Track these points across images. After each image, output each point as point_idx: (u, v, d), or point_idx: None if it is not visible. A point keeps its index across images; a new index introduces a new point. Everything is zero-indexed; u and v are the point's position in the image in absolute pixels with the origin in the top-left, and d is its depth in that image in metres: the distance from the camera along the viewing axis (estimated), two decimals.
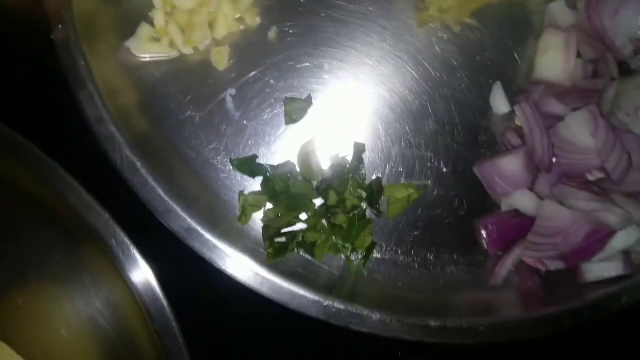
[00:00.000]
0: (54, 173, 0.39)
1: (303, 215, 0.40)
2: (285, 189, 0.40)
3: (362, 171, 0.40)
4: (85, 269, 0.43)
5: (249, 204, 0.39)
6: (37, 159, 0.39)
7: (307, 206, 0.39)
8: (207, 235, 0.36)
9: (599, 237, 0.35)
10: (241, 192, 0.39)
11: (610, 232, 0.36)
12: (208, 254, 0.36)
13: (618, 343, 0.40)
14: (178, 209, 0.36)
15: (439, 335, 0.36)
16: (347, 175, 0.40)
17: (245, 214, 0.39)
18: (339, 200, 0.40)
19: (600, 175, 0.35)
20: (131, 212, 0.37)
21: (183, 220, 0.36)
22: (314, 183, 0.40)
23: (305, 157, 0.40)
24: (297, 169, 0.40)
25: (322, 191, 0.40)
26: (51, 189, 0.39)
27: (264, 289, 0.36)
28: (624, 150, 0.34)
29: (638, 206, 0.36)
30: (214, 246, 0.36)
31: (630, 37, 0.35)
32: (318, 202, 0.40)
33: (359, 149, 0.40)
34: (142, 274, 0.39)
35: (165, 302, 0.38)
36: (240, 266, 0.36)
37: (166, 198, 0.36)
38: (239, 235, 0.39)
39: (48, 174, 0.39)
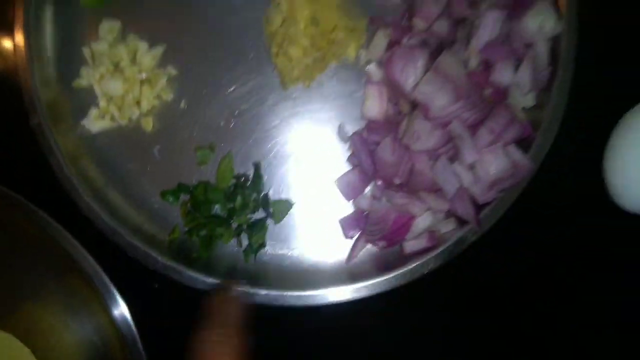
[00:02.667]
0: (47, 222, 0.52)
1: None
2: (204, 196, 0.55)
3: (261, 182, 0.56)
4: (75, 297, 0.56)
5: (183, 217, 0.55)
6: (34, 212, 0.52)
7: (222, 207, 0.55)
8: (145, 248, 0.52)
9: (403, 222, 0.50)
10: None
11: (412, 218, 0.52)
12: (144, 261, 0.52)
13: (432, 295, 0.55)
14: (122, 231, 0.51)
15: (308, 300, 0.52)
16: (250, 186, 0.56)
17: (176, 232, 0.56)
18: (244, 204, 0.55)
19: (399, 180, 0.51)
20: (115, 259, 0.52)
21: (125, 239, 0.52)
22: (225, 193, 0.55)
23: (223, 170, 0.55)
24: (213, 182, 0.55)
25: (231, 196, 0.55)
26: (43, 233, 0.52)
27: (183, 280, 0.52)
28: (409, 161, 0.50)
29: (435, 198, 0.52)
30: (149, 255, 0.52)
31: (412, 84, 0.51)
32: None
33: (258, 166, 0.56)
34: (119, 308, 0.53)
35: (136, 333, 0.52)
36: (167, 265, 0.52)
37: (112, 224, 0.52)
38: (169, 247, 0.55)
39: (42, 223, 0.52)
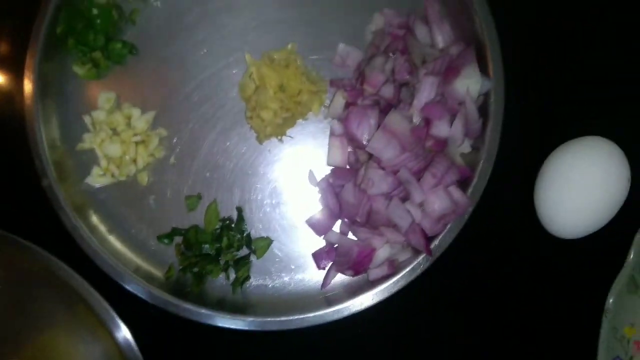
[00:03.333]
0: (57, 265, 0.61)
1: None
2: (195, 239, 0.63)
3: (244, 224, 0.65)
4: (83, 326, 0.63)
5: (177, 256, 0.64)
6: (47, 257, 0.61)
7: (210, 247, 0.63)
8: (145, 285, 0.60)
9: (365, 254, 0.59)
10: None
11: (374, 250, 0.61)
12: (139, 295, 0.60)
13: (395, 314, 0.63)
14: (124, 271, 0.60)
15: (289, 324, 0.60)
16: (234, 228, 0.64)
17: (172, 271, 0.64)
18: (229, 244, 0.64)
19: (360, 219, 0.60)
20: (119, 294, 0.61)
21: (127, 277, 0.60)
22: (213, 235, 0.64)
23: (210, 215, 0.64)
24: (202, 226, 0.64)
25: (218, 238, 0.63)
26: (54, 274, 0.61)
27: (180, 312, 0.61)
28: (367, 202, 0.58)
29: (392, 232, 0.60)
30: (149, 291, 0.60)
31: (367, 138, 0.60)
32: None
33: (240, 210, 0.65)
34: (122, 333, 0.61)
35: (139, 354, 0.61)
36: (165, 299, 0.60)
37: (115, 265, 0.60)
38: (166, 283, 0.64)
39: (53, 266, 0.61)
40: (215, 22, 0.64)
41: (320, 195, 0.64)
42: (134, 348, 0.61)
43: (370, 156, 0.60)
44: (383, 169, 0.57)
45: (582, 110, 0.66)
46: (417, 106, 0.57)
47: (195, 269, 0.63)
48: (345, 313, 0.61)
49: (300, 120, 0.65)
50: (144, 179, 0.64)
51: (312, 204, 0.65)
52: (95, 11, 0.60)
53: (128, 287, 0.60)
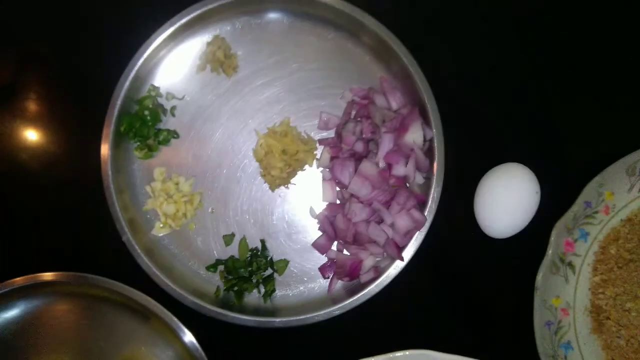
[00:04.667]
0: (134, 293, 0.80)
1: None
2: (233, 266, 0.84)
3: (267, 251, 0.86)
4: (157, 335, 0.81)
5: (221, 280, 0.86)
6: (128, 289, 0.79)
7: (244, 271, 0.83)
8: (200, 302, 0.81)
9: (356, 264, 0.80)
10: (218, 287, 0.87)
11: (362, 261, 0.83)
12: (198, 310, 0.79)
13: (383, 307, 0.84)
14: (184, 293, 0.79)
15: (306, 321, 0.81)
16: (260, 255, 0.85)
17: (219, 291, 0.87)
18: (258, 267, 0.87)
19: (350, 239, 0.82)
20: (182, 309, 0.79)
21: (186, 298, 0.81)
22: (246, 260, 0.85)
23: (242, 247, 0.86)
24: (237, 256, 0.84)
25: (249, 263, 0.83)
26: (132, 300, 0.79)
27: (228, 320, 0.83)
28: (353, 227, 0.78)
29: (373, 246, 0.82)
30: (201, 305, 0.80)
31: (348, 181, 0.83)
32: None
33: (263, 241, 0.85)
34: (187, 336, 0.78)
35: (202, 352, 0.78)
36: (216, 311, 0.81)
37: (177, 289, 0.79)
38: (215, 300, 0.86)
39: (129, 294, 0.79)
40: (231, 108, 0.86)
41: (319, 224, 0.84)
42: (198, 348, 0.83)
43: (351, 195, 0.82)
44: (362, 202, 0.80)
45: (502, 144, 0.86)
46: (380, 155, 0.79)
47: (236, 288, 0.84)
48: (347, 308, 0.79)
49: (300, 172, 0.85)
50: (192, 227, 0.85)
51: (314, 231, 0.84)
52: (146, 112, 0.84)
53: (188, 305, 0.82)
